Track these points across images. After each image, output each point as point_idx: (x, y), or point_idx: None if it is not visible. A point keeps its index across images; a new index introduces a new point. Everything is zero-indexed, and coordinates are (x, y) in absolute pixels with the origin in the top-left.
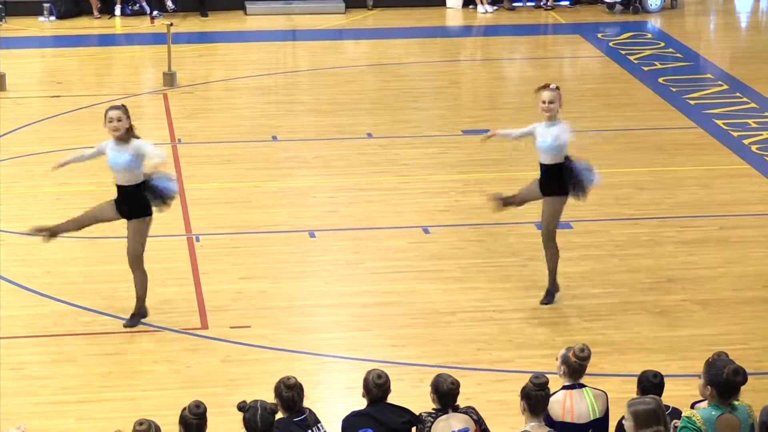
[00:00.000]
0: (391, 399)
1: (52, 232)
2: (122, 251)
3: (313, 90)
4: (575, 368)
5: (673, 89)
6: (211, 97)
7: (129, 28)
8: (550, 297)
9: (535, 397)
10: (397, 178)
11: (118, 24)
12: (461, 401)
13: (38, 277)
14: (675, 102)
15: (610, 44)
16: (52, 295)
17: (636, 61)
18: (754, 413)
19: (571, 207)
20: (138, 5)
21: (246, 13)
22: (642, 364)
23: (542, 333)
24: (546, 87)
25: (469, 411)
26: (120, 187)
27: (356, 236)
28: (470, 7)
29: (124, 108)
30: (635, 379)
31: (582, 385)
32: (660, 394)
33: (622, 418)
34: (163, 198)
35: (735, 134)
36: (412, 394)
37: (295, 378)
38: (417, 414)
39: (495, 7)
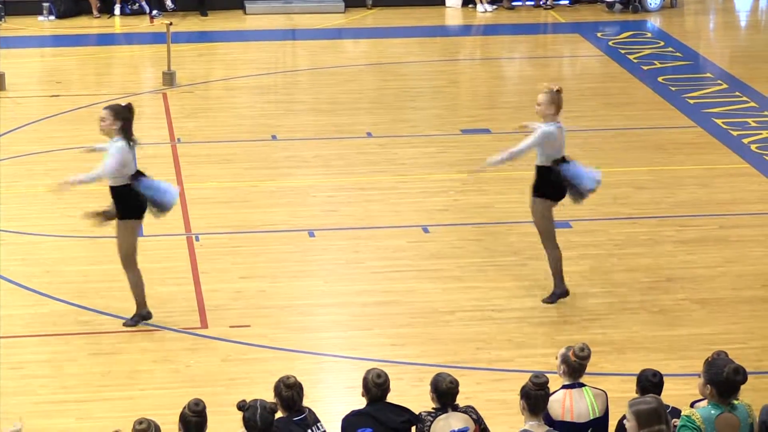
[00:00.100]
0: (391, 398)
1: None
2: None
3: (312, 89)
4: (575, 367)
5: (673, 88)
6: (210, 97)
7: (128, 28)
8: (552, 297)
9: (535, 397)
10: (397, 177)
11: (117, 23)
12: (461, 400)
13: (38, 277)
14: (674, 101)
15: (610, 43)
16: (52, 294)
17: (635, 60)
18: (754, 412)
19: (571, 206)
20: (137, 4)
21: (245, 13)
22: (641, 363)
23: (542, 332)
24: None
25: (469, 410)
26: (109, 186)
27: (356, 235)
28: (470, 6)
29: (111, 108)
30: (635, 378)
31: (582, 385)
32: (659, 393)
33: (623, 417)
34: (158, 208)
35: (734, 133)
36: (411, 394)
37: (294, 377)
38: (416, 413)
39: (494, 7)
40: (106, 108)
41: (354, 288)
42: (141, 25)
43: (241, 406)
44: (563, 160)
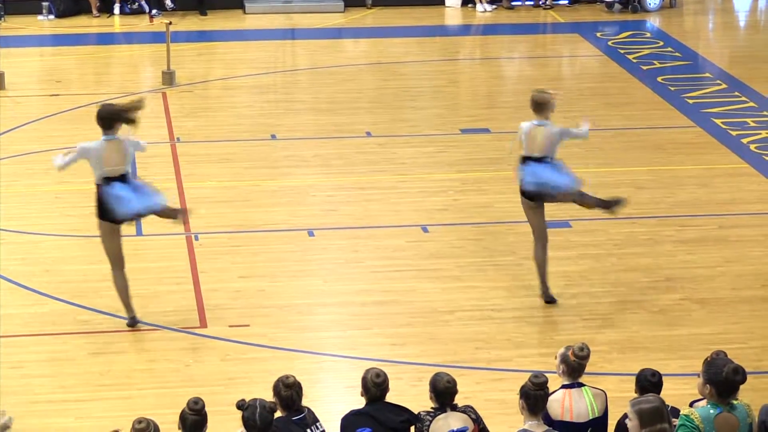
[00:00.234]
0: (390, 398)
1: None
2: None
3: (312, 89)
4: (574, 367)
5: (672, 88)
6: (210, 96)
7: (128, 27)
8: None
9: (534, 397)
10: (396, 176)
11: (117, 23)
12: (459, 400)
13: (37, 276)
14: (674, 101)
15: (609, 43)
16: (51, 293)
17: (635, 60)
18: (753, 412)
19: (570, 206)
20: (137, 4)
21: (245, 12)
22: (641, 363)
23: (541, 332)
24: None
25: (468, 410)
26: None
27: (355, 235)
28: (469, 6)
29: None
30: (634, 378)
31: (581, 384)
32: (658, 392)
33: (622, 417)
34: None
35: (734, 133)
36: (410, 393)
37: (293, 377)
38: (416, 413)
39: (494, 6)
40: None
41: (353, 287)
42: (140, 24)
43: (241, 406)
44: (533, 159)
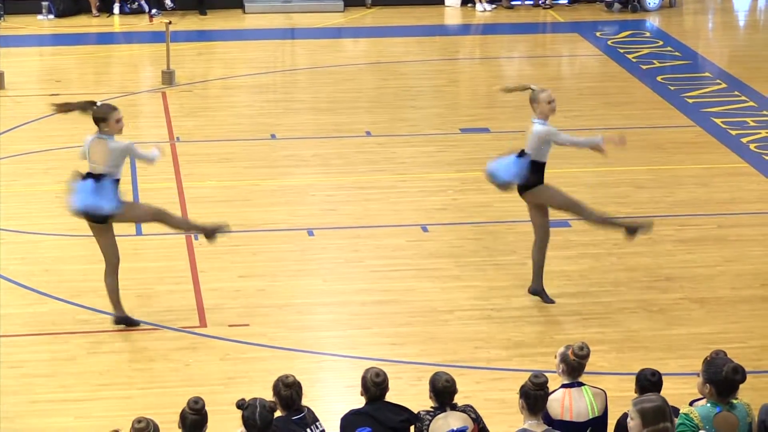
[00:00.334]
0: (390, 397)
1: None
2: (121, 250)
3: (311, 88)
4: (574, 366)
5: (672, 88)
6: (209, 96)
7: (128, 27)
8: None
9: (534, 397)
10: (396, 176)
11: (116, 22)
12: (459, 399)
13: (37, 276)
14: (673, 100)
15: (609, 43)
16: (51, 293)
17: (634, 60)
18: (753, 411)
19: None
20: (137, 3)
21: (245, 12)
22: (640, 362)
23: (540, 331)
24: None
25: (468, 409)
26: None
27: (355, 234)
28: (469, 5)
29: None
30: (633, 377)
31: (581, 384)
32: (658, 392)
33: (621, 416)
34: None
35: (733, 133)
36: (410, 393)
37: (293, 376)
38: (415, 412)
39: (493, 6)
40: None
41: (353, 287)
42: (140, 24)
43: (240, 405)
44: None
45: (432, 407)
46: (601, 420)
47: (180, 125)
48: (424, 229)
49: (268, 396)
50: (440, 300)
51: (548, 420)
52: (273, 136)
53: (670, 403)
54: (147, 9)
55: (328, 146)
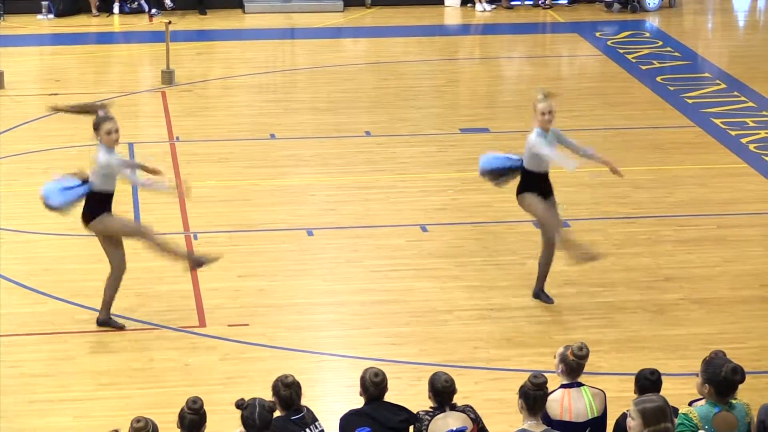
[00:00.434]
0: (389, 397)
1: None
2: None
3: (311, 88)
4: (573, 367)
5: (671, 88)
6: (209, 95)
7: (127, 26)
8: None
9: (534, 397)
10: (395, 176)
11: (116, 22)
12: (458, 400)
13: (37, 275)
14: (673, 101)
15: (608, 43)
16: (51, 293)
17: (634, 60)
18: (752, 411)
19: (569, 206)
20: (136, 3)
21: (244, 12)
22: (640, 362)
23: (540, 331)
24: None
25: (467, 409)
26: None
27: (354, 234)
28: (468, 5)
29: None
30: (633, 377)
31: (580, 384)
32: (658, 391)
33: (620, 416)
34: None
35: (733, 133)
36: (409, 393)
37: (292, 376)
38: (414, 412)
39: (493, 6)
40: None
41: (352, 287)
42: (140, 23)
43: (240, 405)
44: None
45: (431, 407)
46: (600, 420)
47: (179, 125)
48: (424, 229)
49: (268, 396)
50: (440, 300)
51: (547, 420)
52: (272, 136)
53: (670, 403)
54: (147, 9)
55: (328, 146)
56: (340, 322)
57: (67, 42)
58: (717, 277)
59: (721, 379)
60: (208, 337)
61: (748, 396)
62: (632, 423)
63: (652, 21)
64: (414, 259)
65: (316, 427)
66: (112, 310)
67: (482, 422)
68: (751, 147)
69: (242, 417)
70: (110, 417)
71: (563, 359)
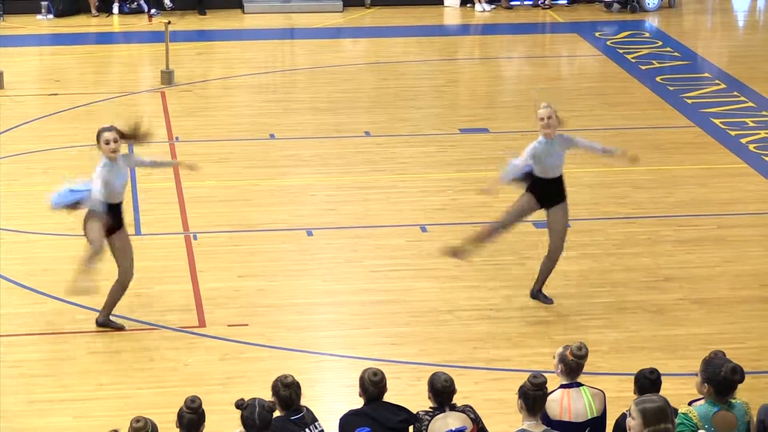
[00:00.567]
0: (388, 397)
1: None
2: None
3: (311, 88)
4: (572, 367)
5: (671, 88)
6: (208, 96)
7: (127, 26)
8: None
9: (533, 397)
10: (395, 176)
11: (116, 22)
12: (458, 400)
13: (36, 275)
14: (672, 101)
15: (608, 43)
16: (50, 292)
17: (633, 60)
18: (751, 410)
19: (569, 206)
20: (136, 3)
21: (244, 12)
22: (639, 362)
23: (539, 331)
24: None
25: (467, 409)
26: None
27: (354, 234)
28: (468, 5)
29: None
30: (632, 378)
31: (579, 384)
32: (657, 391)
33: (620, 417)
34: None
35: (733, 133)
36: (409, 393)
37: (292, 376)
38: (414, 412)
39: (493, 6)
40: (111, 130)
41: (352, 287)
42: (139, 23)
43: (239, 405)
44: None
45: (431, 407)
46: (599, 420)
47: (179, 125)
48: (424, 230)
49: (267, 396)
50: (439, 300)
51: (547, 420)
52: (272, 136)
53: (670, 403)
54: (146, 9)
55: (328, 146)
56: (339, 322)
57: (66, 42)
58: (717, 277)
59: (721, 378)
60: (208, 337)
61: (748, 396)
62: (632, 423)
63: (652, 21)
64: (414, 259)
65: (316, 427)
66: (113, 310)
67: (482, 422)
68: (751, 147)
69: (242, 417)
70: (110, 417)
71: (562, 359)
